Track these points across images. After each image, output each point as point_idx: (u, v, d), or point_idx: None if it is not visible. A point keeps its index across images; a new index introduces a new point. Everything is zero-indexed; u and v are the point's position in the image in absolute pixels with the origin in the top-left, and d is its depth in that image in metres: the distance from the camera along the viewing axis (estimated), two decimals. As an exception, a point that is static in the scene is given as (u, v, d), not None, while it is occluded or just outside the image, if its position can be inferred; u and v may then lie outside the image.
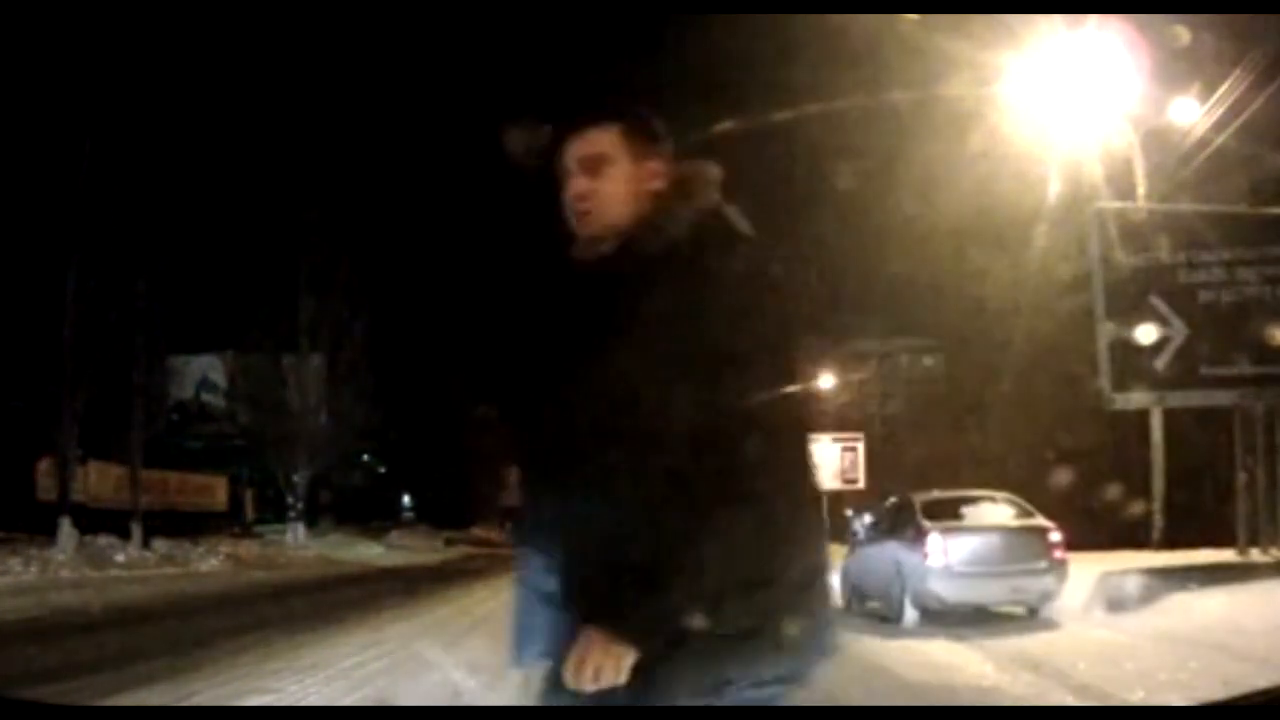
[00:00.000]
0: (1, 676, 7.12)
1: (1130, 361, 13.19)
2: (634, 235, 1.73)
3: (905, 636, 9.85)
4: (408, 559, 32.35)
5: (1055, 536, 10.90)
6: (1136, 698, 6.25)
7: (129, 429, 26.10)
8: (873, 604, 11.90)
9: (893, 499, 13.11)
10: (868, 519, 14.18)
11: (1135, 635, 8.82)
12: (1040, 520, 11.38)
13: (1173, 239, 13.32)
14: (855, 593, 12.56)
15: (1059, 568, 10.48)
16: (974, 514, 11.22)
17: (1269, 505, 13.78)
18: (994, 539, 10.69)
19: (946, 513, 11.18)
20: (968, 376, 36.84)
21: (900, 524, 11.61)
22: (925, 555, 10.44)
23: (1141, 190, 15.32)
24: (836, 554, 12.41)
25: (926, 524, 10.88)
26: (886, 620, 10.88)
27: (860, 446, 48.71)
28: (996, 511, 11.43)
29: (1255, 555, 13.62)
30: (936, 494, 12.42)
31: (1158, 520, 16.55)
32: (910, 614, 10.59)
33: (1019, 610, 10.65)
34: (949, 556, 10.39)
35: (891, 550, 11.29)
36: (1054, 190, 16.74)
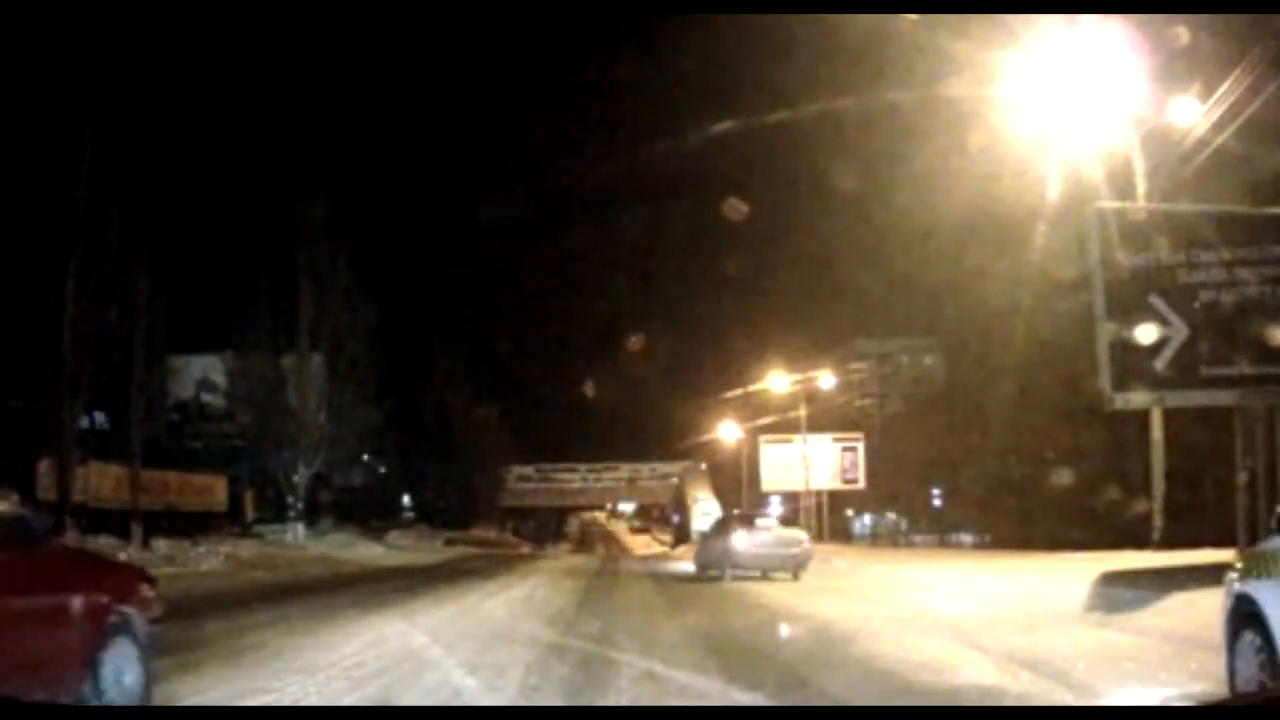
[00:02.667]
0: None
1: (1130, 361, 13.17)
2: None
3: (726, 583, 18.87)
4: (408, 559, 32.33)
5: (804, 536, 21.45)
6: (1136, 698, 6.26)
7: (129, 429, 26.09)
8: (710, 571, 20.72)
9: (721, 516, 25.16)
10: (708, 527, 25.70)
11: (1135, 635, 8.82)
12: (796, 530, 22.17)
13: (1173, 239, 13.31)
14: (702, 565, 21.87)
15: (805, 554, 20.04)
16: (762, 523, 21.00)
17: (1269, 505, 13.77)
18: (770, 536, 20.12)
19: (748, 523, 21.03)
20: (968, 376, 36.77)
21: (725, 527, 21.45)
22: (735, 543, 19.61)
23: (1141, 190, 15.32)
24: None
25: (736, 527, 20.43)
26: (717, 578, 19.71)
27: (860, 446, 48.88)
28: (773, 523, 21.71)
29: (1255, 555, 13.60)
30: (743, 512, 26.33)
31: (1158, 520, 16.53)
32: (728, 574, 19.41)
33: (785, 575, 19.45)
34: (746, 544, 19.57)
35: (720, 541, 20.46)
36: (1054, 190, 16.73)
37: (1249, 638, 5.50)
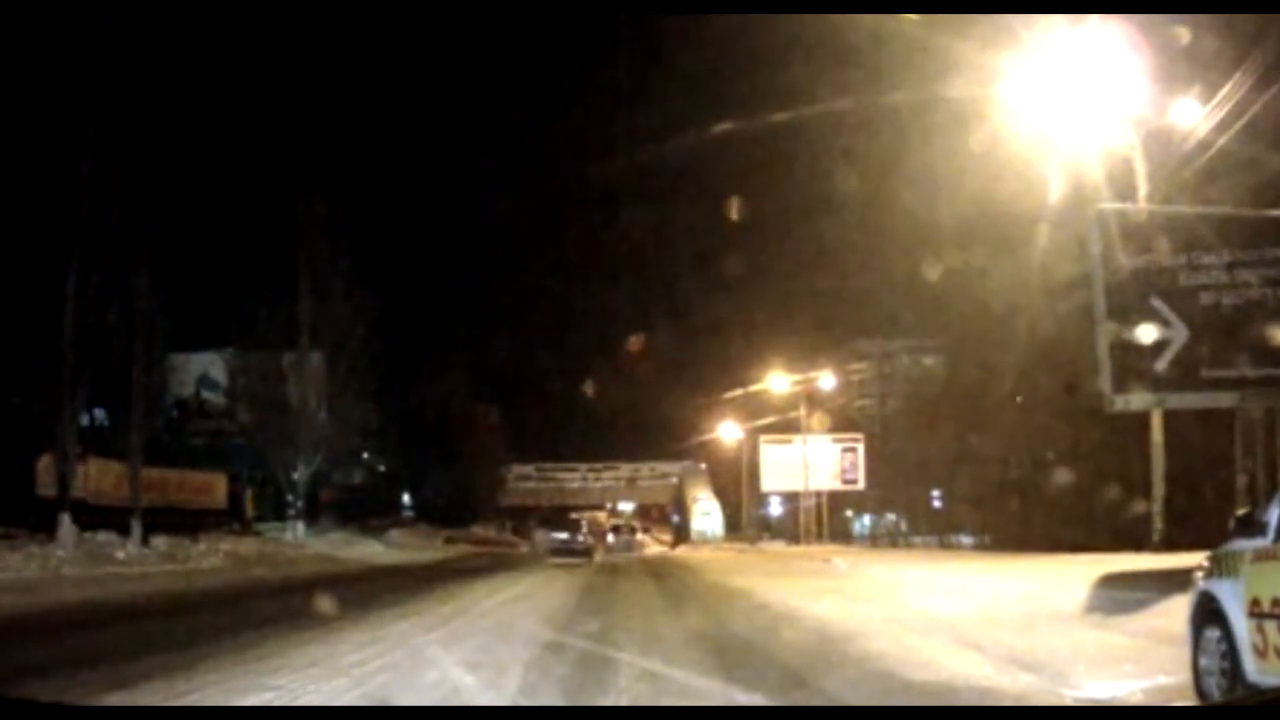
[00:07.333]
0: (1, 674, 7.10)
1: (1131, 363, 13.16)
2: None
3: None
4: (408, 557, 32.35)
5: (642, 537, 53.72)
6: (1136, 698, 6.26)
7: (129, 426, 26.08)
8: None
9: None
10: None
11: (1135, 637, 8.81)
12: (638, 535, 51.19)
13: (1173, 240, 13.30)
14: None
15: (642, 544, 48.70)
16: (621, 530, 50.00)
17: (1269, 507, 13.75)
18: (625, 536, 47.45)
19: (616, 530, 49.96)
20: (968, 377, 36.72)
21: (605, 531, 46.79)
22: (607, 540, 44.88)
23: (1143, 191, 15.30)
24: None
25: (608, 531, 47.71)
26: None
27: (860, 447, 48.86)
28: (625, 529, 51.27)
29: (1255, 557, 13.58)
30: (614, 524, 56.14)
31: (1158, 522, 16.50)
32: (601, 556, 35.15)
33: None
34: (612, 541, 44.97)
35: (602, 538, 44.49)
36: (1055, 191, 16.71)
37: (1211, 633, 5.77)
